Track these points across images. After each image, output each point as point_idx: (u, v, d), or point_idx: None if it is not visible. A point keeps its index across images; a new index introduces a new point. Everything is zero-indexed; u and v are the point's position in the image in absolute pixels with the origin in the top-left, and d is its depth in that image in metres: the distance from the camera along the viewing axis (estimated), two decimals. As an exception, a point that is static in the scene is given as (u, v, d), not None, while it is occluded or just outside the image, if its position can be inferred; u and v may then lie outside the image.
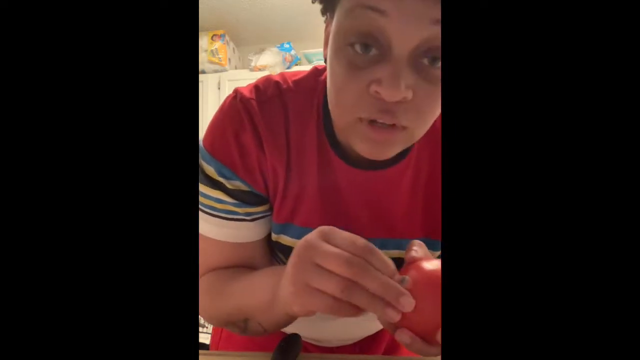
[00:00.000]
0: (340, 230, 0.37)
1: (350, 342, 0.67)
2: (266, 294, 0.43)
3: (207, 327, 2.05)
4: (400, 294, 0.34)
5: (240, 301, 0.47)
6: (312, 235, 0.37)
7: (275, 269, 0.44)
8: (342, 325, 0.62)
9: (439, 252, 0.54)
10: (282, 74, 0.52)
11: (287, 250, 0.51)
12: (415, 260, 0.38)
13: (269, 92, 0.50)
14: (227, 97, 0.51)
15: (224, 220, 0.50)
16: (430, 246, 0.52)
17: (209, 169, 0.49)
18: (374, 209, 0.51)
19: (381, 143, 0.41)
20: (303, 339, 0.54)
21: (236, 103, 0.49)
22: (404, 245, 0.50)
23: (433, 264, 0.37)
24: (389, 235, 0.52)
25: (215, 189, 0.49)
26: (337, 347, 0.67)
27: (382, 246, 0.52)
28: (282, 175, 0.49)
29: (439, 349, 0.36)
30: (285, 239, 0.52)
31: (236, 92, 0.50)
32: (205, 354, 0.50)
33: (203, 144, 0.50)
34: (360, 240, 0.36)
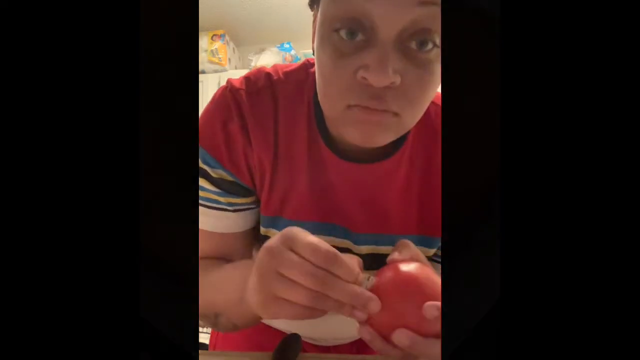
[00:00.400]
0: (304, 234, 0.37)
1: (348, 340, 0.67)
2: (235, 291, 0.43)
3: (207, 327, 2.05)
4: (368, 300, 0.35)
5: (212, 296, 0.47)
6: (274, 242, 0.37)
7: (247, 264, 0.43)
8: (338, 324, 0.62)
9: (433, 250, 0.53)
10: (274, 66, 0.52)
11: None
12: (394, 262, 0.38)
13: (260, 83, 0.50)
14: (219, 88, 0.51)
15: (205, 209, 0.50)
16: (425, 244, 0.52)
17: None
18: (367, 204, 0.51)
19: (373, 125, 0.40)
20: (300, 337, 0.54)
21: (226, 93, 0.49)
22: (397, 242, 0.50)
23: (409, 267, 0.37)
24: (382, 230, 0.52)
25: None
26: (334, 347, 0.67)
27: (375, 242, 0.52)
28: (269, 168, 0.49)
29: (397, 351, 0.36)
30: (275, 233, 0.52)
31: (228, 82, 0.50)
32: (205, 354, 0.50)
33: None
34: (322, 248, 0.35)
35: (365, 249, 0.52)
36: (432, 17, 0.35)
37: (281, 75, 0.51)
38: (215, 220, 0.51)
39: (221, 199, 0.50)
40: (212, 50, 2.36)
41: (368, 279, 0.36)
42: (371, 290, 0.36)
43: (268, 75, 0.50)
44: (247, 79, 0.50)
